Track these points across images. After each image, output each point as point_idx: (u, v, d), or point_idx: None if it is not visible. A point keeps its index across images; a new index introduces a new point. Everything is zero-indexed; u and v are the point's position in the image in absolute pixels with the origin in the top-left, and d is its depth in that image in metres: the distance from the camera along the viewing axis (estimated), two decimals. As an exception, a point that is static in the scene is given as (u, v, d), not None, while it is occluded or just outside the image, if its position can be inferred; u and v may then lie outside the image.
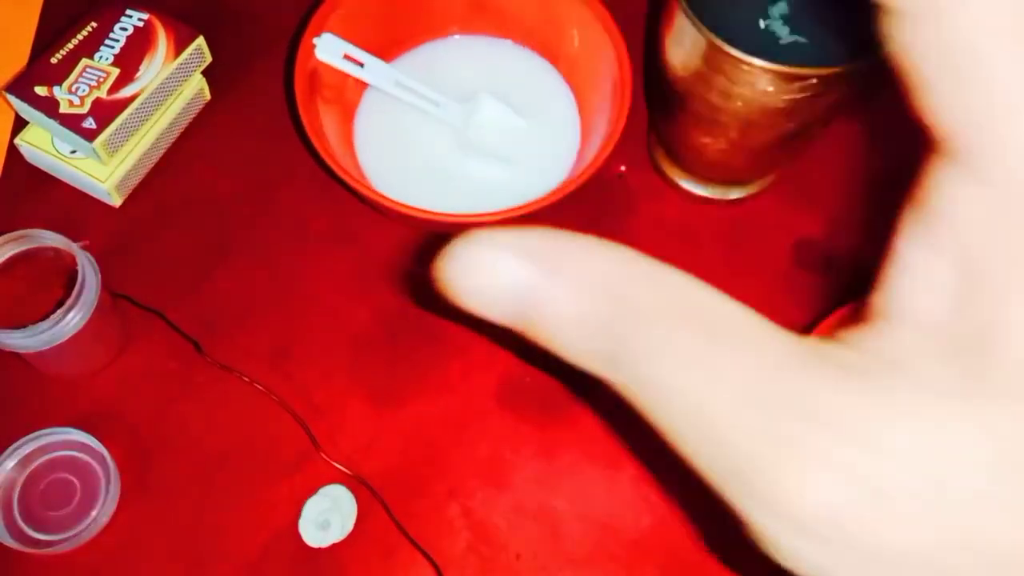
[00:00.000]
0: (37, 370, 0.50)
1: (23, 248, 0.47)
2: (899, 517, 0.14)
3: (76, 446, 0.49)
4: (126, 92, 0.53)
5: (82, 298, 0.46)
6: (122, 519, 0.48)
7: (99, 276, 0.47)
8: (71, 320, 0.45)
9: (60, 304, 0.45)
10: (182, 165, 0.58)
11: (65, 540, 0.46)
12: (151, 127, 0.55)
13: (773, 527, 0.15)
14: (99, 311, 0.47)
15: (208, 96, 0.59)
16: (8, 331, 0.44)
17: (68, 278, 0.46)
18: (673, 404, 0.16)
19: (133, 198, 0.56)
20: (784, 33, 0.49)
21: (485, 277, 0.17)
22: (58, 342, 0.45)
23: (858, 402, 0.15)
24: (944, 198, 0.15)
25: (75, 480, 0.48)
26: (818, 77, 0.43)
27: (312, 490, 0.48)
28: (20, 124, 0.56)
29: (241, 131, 0.59)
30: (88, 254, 0.47)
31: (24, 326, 0.44)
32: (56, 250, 0.47)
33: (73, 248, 0.46)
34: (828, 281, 0.56)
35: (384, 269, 0.55)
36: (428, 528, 0.48)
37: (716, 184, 0.57)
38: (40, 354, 0.46)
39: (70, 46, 0.54)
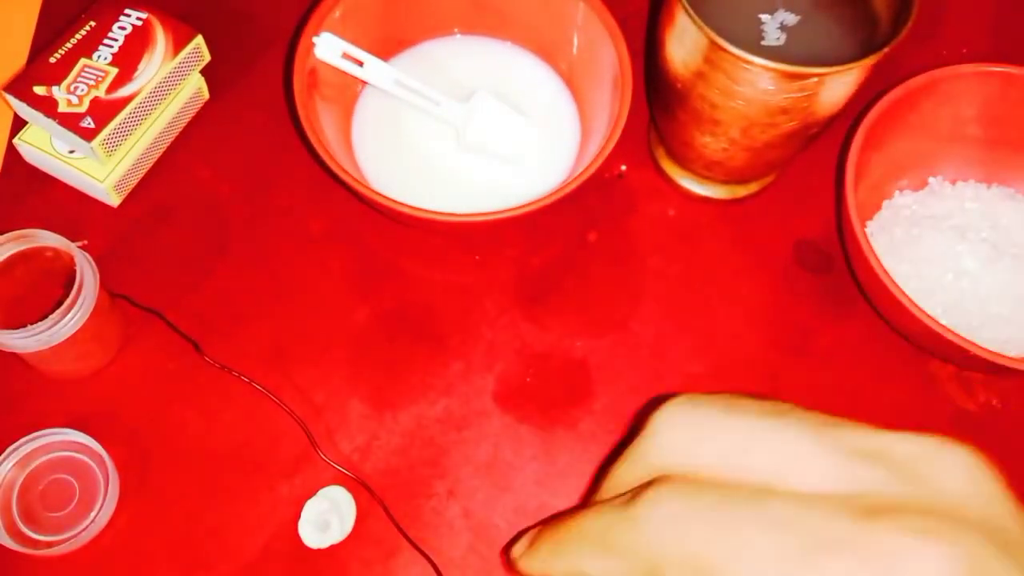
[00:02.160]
0: (36, 370, 0.50)
1: (22, 248, 0.46)
2: None
3: (75, 447, 0.49)
4: (125, 91, 0.53)
5: (80, 299, 0.45)
6: (121, 520, 0.48)
7: (98, 276, 0.47)
8: (69, 321, 0.45)
9: (60, 304, 0.45)
10: (181, 165, 0.57)
11: (64, 541, 0.46)
12: (149, 126, 0.55)
13: None
14: (97, 312, 0.47)
15: (207, 95, 0.59)
16: (6, 332, 0.44)
17: (67, 278, 0.46)
18: None
19: (132, 198, 0.56)
20: (772, 38, 0.49)
21: None
22: (56, 343, 0.45)
23: None
24: None
25: (74, 481, 0.48)
26: (818, 76, 0.43)
27: (311, 491, 0.48)
28: (19, 124, 0.56)
29: (240, 130, 0.59)
30: (87, 254, 0.47)
31: (23, 326, 0.44)
32: (55, 250, 0.46)
33: (72, 248, 0.46)
34: (828, 281, 0.56)
35: (384, 269, 0.55)
36: (428, 529, 0.48)
37: (716, 183, 0.57)
38: (39, 354, 0.46)
39: (69, 46, 0.54)
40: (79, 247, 0.47)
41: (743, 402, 0.25)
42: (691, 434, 0.25)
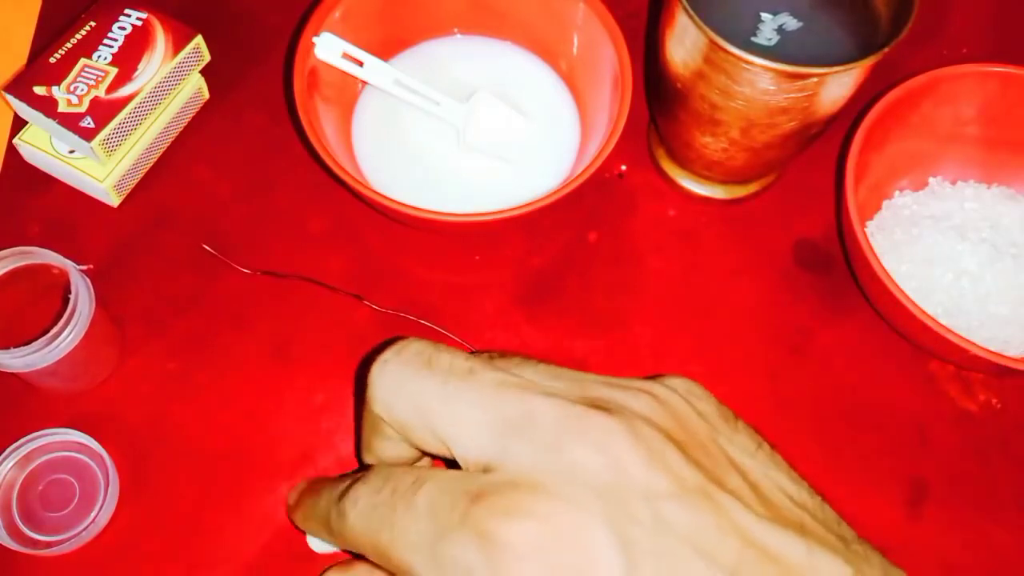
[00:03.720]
0: (32, 385, 0.49)
1: (21, 264, 0.46)
2: None
3: (75, 447, 0.49)
4: (124, 91, 0.53)
5: (73, 322, 0.45)
6: (121, 520, 0.48)
7: (94, 298, 0.46)
8: (60, 344, 0.45)
9: (61, 317, 0.44)
10: (181, 164, 0.57)
11: (65, 541, 0.46)
12: (149, 126, 0.55)
13: None
14: (91, 333, 0.46)
15: (207, 95, 0.59)
16: None
17: (67, 291, 0.45)
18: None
19: (131, 198, 0.56)
20: (764, 38, 0.49)
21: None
22: (45, 365, 0.45)
23: None
24: None
25: (74, 481, 0.48)
26: (818, 76, 0.43)
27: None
28: (19, 124, 0.56)
29: (240, 130, 0.59)
30: (85, 276, 0.46)
31: (11, 347, 0.43)
32: (55, 267, 0.46)
33: (68, 268, 0.45)
34: (828, 281, 0.56)
35: (384, 269, 0.55)
36: (428, 529, 0.48)
37: (716, 183, 0.57)
38: (32, 372, 0.46)
39: (69, 46, 0.54)
40: (82, 270, 0.46)
41: (442, 357, 0.29)
42: (392, 389, 0.29)
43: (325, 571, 0.33)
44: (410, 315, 0.53)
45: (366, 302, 0.52)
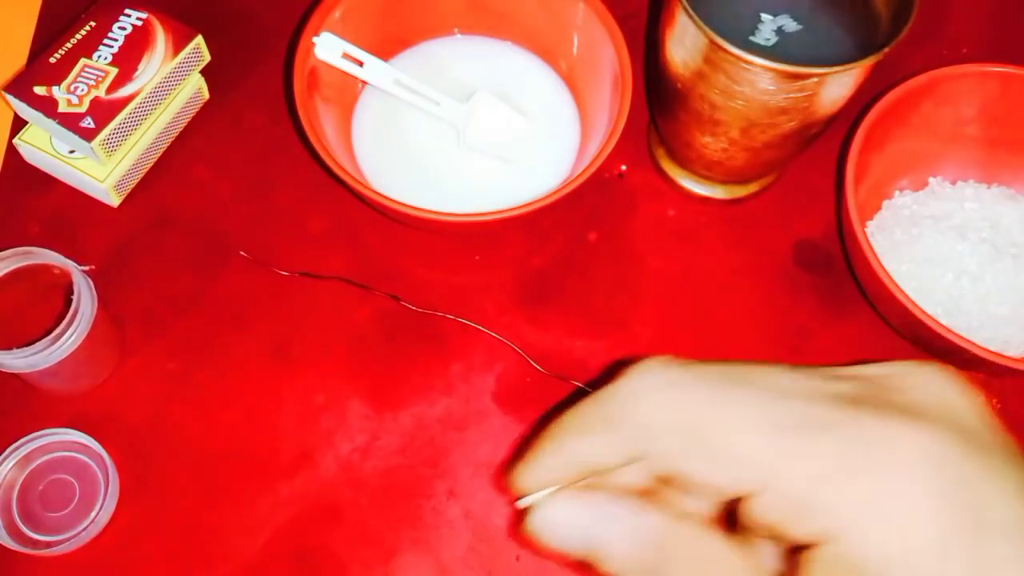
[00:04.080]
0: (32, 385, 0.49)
1: (23, 264, 0.46)
2: None
3: (75, 447, 0.49)
4: (125, 91, 0.53)
5: (75, 322, 0.45)
6: (121, 520, 0.48)
7: (96, 299, 0.46)
8: (63, 344, 0.45)
9: (61, 319, 0.44)
10: (181, 165, 0.57)
11: (65, 541, 0.46)
12: (149, 126, 0.55)
13: None
14: (93, 334, 0.46)
15: (207, 95, 0.59)
16: None
17: (69, 292, 0.45)
18: None
19: (132, 198, 0.56)
20: (762, 38, 0.49)
21: (562, 528, 0.24)
22: (47, 365, 0.45)
23: None
24: None
25: (74, 481, 0.48)
26: (818, 76, 0.43)
27: (312, 491, 0.48)
28: (19, 124, 0.56)
29: (240, 130, 0.59)
30: (87, 277, 0.46)
31: (14, 347, 0.43)
32: (57, 267, 0.46)
33: (71, 269, 0.45)
34: (828, 281, 0.56)
35: (384, 269, 0.55)
36: (428, 529, 0.48)
37: (716, 183, 0.57)
38: (33, 373, 0.46)
39: (69, 46, 0.54)
40: (84, 271, 0.46)
41: (710, 363, 0.26)
42: (668, 388, 0.24)
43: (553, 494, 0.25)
44: (448, 314, 0.53)
45: (403, 303, 0.52)
